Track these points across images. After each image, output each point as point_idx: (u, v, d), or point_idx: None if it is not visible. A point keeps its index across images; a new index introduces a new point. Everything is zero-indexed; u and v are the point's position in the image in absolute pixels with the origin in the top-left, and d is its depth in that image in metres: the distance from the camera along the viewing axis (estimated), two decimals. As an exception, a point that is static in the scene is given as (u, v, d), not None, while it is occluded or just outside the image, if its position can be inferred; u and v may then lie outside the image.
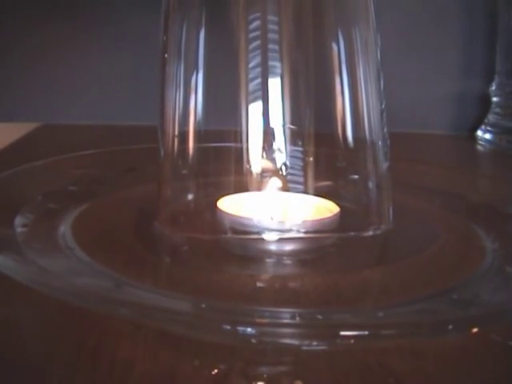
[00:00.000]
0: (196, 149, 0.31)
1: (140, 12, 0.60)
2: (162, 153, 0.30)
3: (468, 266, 0.27)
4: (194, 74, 0.29)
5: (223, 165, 0.30)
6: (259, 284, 0.25)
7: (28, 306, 0.23)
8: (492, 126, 0.58)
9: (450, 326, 0.19)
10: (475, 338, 0.21)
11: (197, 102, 0.30)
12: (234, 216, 0.27)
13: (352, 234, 0.29)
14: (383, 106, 0.29)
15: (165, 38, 0.29)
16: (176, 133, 0.30)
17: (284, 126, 0.29)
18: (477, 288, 0.24)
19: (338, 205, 0.29)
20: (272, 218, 0.27)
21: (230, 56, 0.29)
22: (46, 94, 0.61)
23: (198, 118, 0.30)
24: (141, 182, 0.36)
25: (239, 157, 0.30)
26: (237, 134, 0.30)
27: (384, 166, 0.30)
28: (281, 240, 0.27)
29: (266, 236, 0.27)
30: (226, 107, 0.30)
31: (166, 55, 0.30)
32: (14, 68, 0.60)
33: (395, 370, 0.19)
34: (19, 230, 0.27)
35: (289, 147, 0.29)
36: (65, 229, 0.28)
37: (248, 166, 0.30)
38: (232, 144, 0.30)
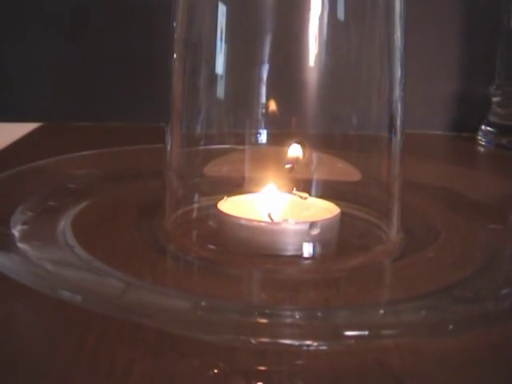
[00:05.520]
0: (201, 150, 0.31)
1: (140, 12, 0.60)
2: (169, 152, 0.30)
3: (469, 263, 0.27)
4: (203, 76, 0.29)
5: (226, 166, 0.31)
6: (259, 284, 0.25)
7: (28, 306, 0.23)
8: (492, 126, 0.58)
9: (450, 326, 0.19)
10: (475, 338, 0.21)
11: (206, 102, 0.30)
12: (234, 217, 0.27)
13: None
14: (401, 100, 0.29)
15: (175, 36, 0.29)
16: (183, 133, 0.31)
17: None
18: (477, 285, 0.24)
19: (338, 206, 0.29)
20: (272, 219, 0.27)
21: (240, 56, 0.29)
22: (45, 93, 0.61)
23: (206, 119, 0.30)
24: (140, 181, 0.36)
25: (241, 158, 0.30)
26: (239, 136, 0.30)
27: (397, 166, 0.30)
28: (281, 240, 0.27)
29: (267, 236, 0.27)
30: (232, 109, 0.30)
31: (175, 55, 0.30)
32: (14, 68, 0.60)
33: (395, 370, 0.19)
34: (19, 228, 0.27)
35: (292, 148, 0.29)
36: (65, 226, 0.28)
37: (249, 168, 0.30)
38: (234, 146, 0.30)
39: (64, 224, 0.28)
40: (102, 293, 0.21)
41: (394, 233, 0.29)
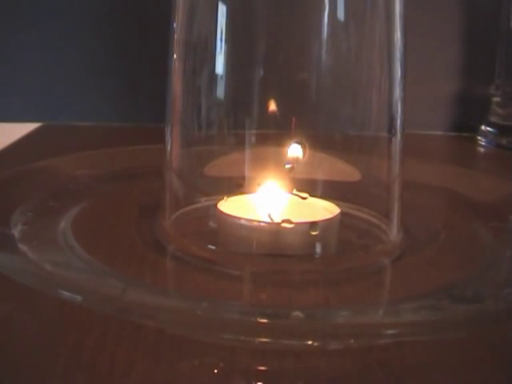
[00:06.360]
0: (201, 150, 0.31)
1: (140, 12, 0.60)
2: (169, 152, 0.30)
3: (469, 263, 0.27)
4: (203, 76, 0.29)
5: (226, 166, 0.31)
6: (259, 284, 0.25)
7: (28, 306, 0.23)
8: (492, 126, 0.58)
9: (450, 326, 0.19)
10: (475, 338, 0.21)
11: (206, 102, 0.30)
12: (234, 217, 0.27)
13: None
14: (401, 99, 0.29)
15: (175, 36, 0.29)
16: (183, 133, 0.31)
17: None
18: (477, 285, 0.24)
19: (338, 206, 0.29)
20: (272, 220, 0.27)
21: (240, 56, 0.29)
22: (46, 93, 0.61)
23: (206, 119, 0.30)
24: (140, 181, 0.36)
25: (241, 158, 0.30)
26: (239, 136, 0.30)
27: (397, 166, 0.30)
28: (281, 240, 0.27)
29: (267, 236, 0.27)
30: (232, 109, 0.30)
31: (175, 55, 0.30)
32: (14, 68, 0.60)
33: (395, 370, 0.19)
34: (19, 228, 0.27)
35: (292, 148, 0.29)
36: (65, 227, 0.28)
37: (249, 168, 0.30)
38: (234, 146, 0.30)
39: (64, 224, 0.28)
40: (102, 293, 0.21)
41: (394, 233, 0.29)
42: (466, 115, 0.63)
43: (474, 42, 0.62)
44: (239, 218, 0.27)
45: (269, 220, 0.27)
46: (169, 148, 0.30)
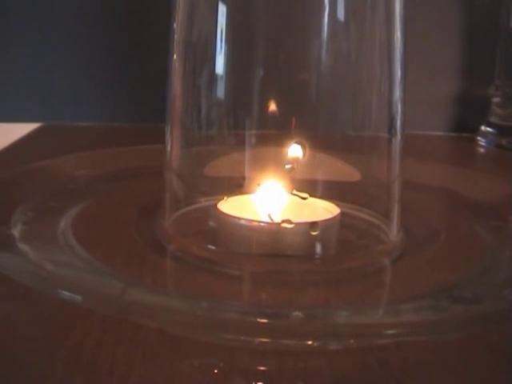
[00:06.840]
0: (201, 150, 0.31)
1: (140, 11, 0.60)
2: (169, 152, 0.30)
3: (469, 263, 0.27)
4: (203, 76, 0.29)
5: (226, 166, 0.31)
6: (259, 284, 0.25)
7: (28, 306, 0.23)
8: (492, 126, 0.58)
9: (450, 326, 0.19)
10: (475, 338, 0.21)
11: (206, 102, 0.30)
12: (234, 217, 0.27)
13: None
14: (401, 98, 0.29)
15: (175, 36, 0.29)
16: (183, 133, 0.31)
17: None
18: (477, 285, 0.24)
19: (338, 206, 0.29)
20: (272, 220, 0.27)
21: (240, 56, 0.29)
22: (46, 93, 0.61)
23: (206, 119, 0.30)
24: (140, 181, 0.36)
25: (241, 158, 0.30)
26: (239, 136, 0.30)
27: (397, 166, 0.30)
28: (281, 240, 0.27)
29: (267, 236, 0.27)
30: (232, 109, 0.30)
31: (175, 56, 0.30)
32: (14, 68, 0.60)
33: (395, 370, 0.19)
34: (19, 228, 0.27)
35: (292, 149, 0.29)
36: (65, 227, 0.28)
37: (249, 168, 0.30)
38: (234, 146, 0.30)
39: (64, 224, 0.28)
40: (102, 293, 0.21)
41: (394, 233, 0.29)
42: (466, 115, 0.63)
43: (474, 42, 0.62)
44: (239, 218, 0.27)
45: (269, 220, 0.27)
46: (169, 148, 0.30)
